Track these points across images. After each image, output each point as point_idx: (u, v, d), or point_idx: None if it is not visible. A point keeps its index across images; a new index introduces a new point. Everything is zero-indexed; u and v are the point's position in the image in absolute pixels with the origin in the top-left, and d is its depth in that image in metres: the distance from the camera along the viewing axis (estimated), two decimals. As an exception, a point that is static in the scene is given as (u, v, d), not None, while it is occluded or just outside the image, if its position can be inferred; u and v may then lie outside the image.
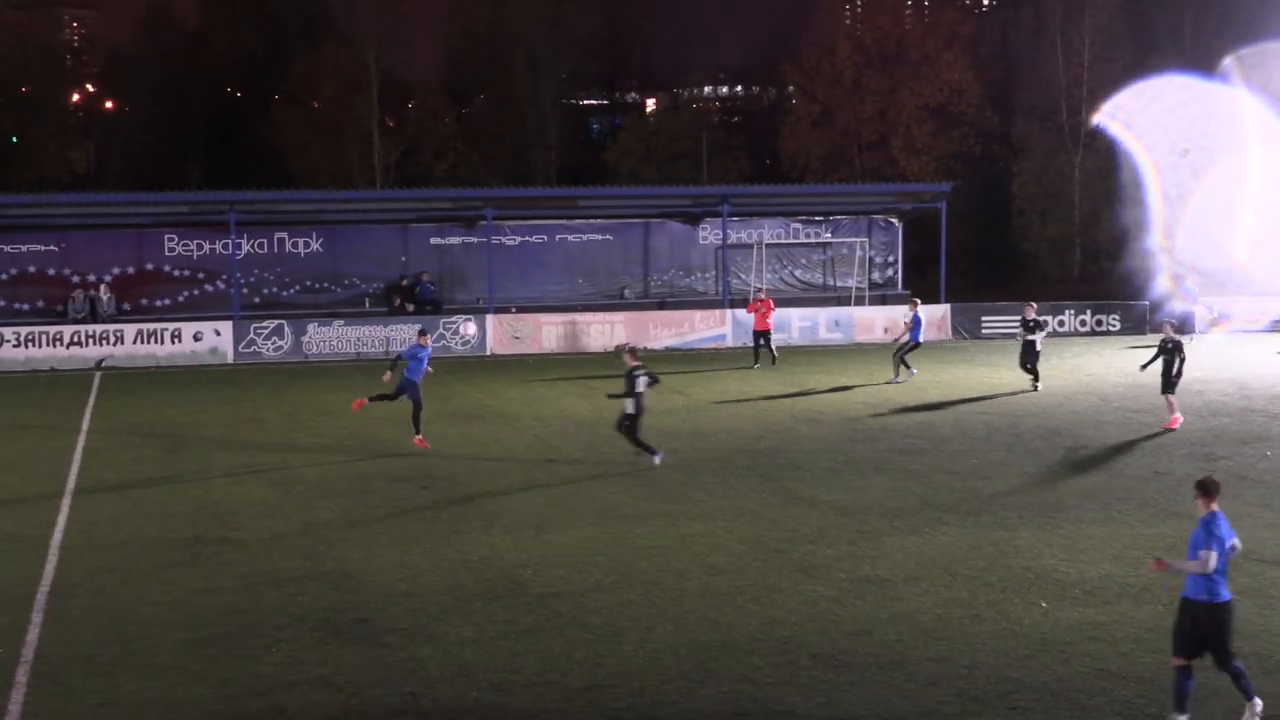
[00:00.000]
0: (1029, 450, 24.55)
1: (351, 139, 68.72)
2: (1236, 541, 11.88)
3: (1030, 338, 32.18)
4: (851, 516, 19.49)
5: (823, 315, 45.80)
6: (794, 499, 20.78)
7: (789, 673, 13.21)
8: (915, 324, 34.87)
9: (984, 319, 46.19)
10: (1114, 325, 46.57)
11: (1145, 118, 55.16)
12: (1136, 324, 46.67)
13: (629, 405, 23.35)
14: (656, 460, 23.32)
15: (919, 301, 37.42)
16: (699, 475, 22.71)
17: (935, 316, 45.63)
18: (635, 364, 23.61)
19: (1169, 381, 26.84)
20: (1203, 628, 11.65)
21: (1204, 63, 58.02)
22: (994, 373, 35.88)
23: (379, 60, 68.85)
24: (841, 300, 48.48)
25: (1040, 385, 32.23)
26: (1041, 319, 33.22)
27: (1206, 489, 11.97)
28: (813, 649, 13.83)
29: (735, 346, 43.65)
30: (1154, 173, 55.82)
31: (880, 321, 45.10)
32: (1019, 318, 35.15)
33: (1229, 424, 27.09)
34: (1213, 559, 11.55)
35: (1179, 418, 26.76)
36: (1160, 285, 45.71)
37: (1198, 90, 53.17)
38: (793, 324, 45.07)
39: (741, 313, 43.44)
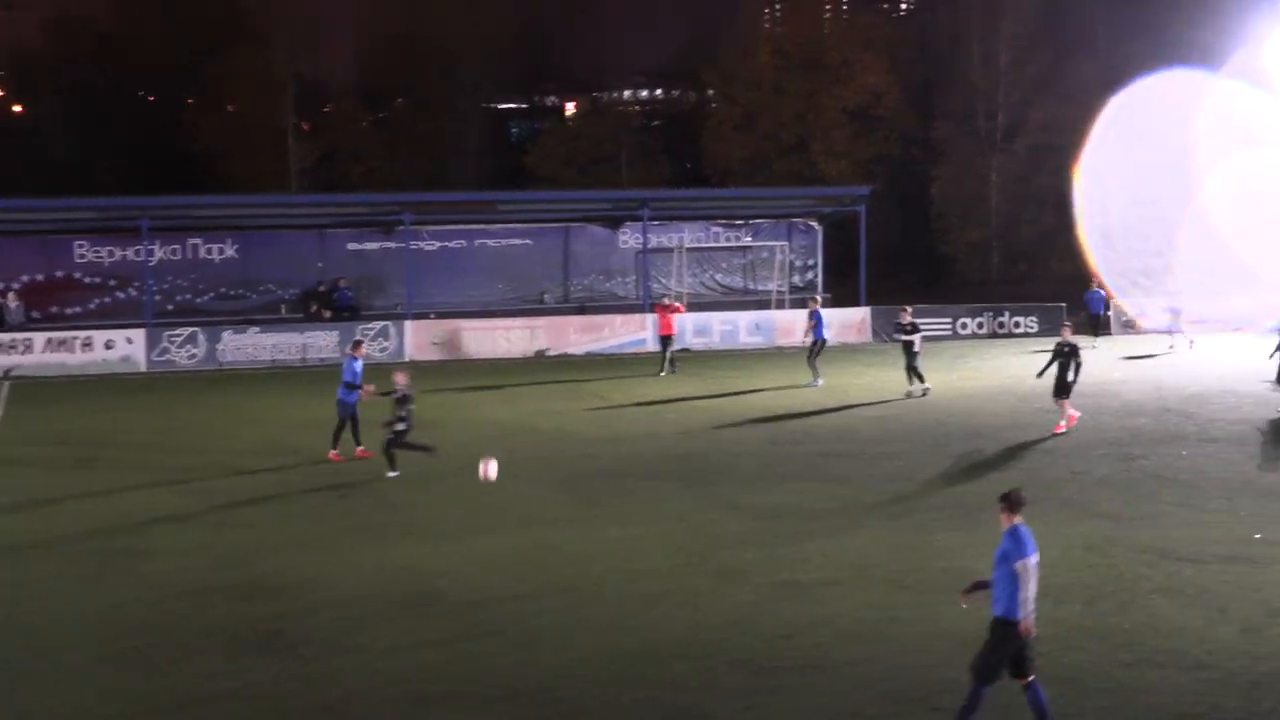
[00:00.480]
0: (949, 452, 24.73)
1: (266, 143, 68.04)
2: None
3: (907, 339, 32.15)
4: (773, 520, 19.53)
5: (743, 319, 45.92)
6: (715, 503, 20.79)
7: (710, 679, 13.19)
8: (818, 322, 35.02)
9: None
10: (1032, 327, 47.05)
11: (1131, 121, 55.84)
12: (1055, 325, 47.11)
13: (401, 422, 23.10)
14: (392, 475, 23.11)
15: (818, 299, 37.49)
16: (620, 480, 22.67)
17: (855, 320, 45.95)
18: (408, 383, 23.44)
19: (1063, 385, 26.57)
20: (1013, 644, 11.38)
21: (1117, 65, 58.88)
22: (914, 375, 36.15)
23: (294, 62, 68.24)
24: (762, 304, 48.66)
25: (915, 389, 31.88)
26: (918, 322, 32.97)
27: (1011, 502, 11.69)
28: (734, 654, 13.82)
29: (656, 351, 43.60)
30: (1080, 179, 56.56)
31: (801, 325, 45.16)
32: (896, 322, 34.88)
33: (1146, 424, 27.45)
34: (1033, 564, 11.29)
35: (1070, 418, 26.61)
36: (1095, 285, 46.13)
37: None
38: (713, 328, 45.17)
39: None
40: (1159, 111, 53.54)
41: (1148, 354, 40.21)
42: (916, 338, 32.08)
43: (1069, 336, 27.25)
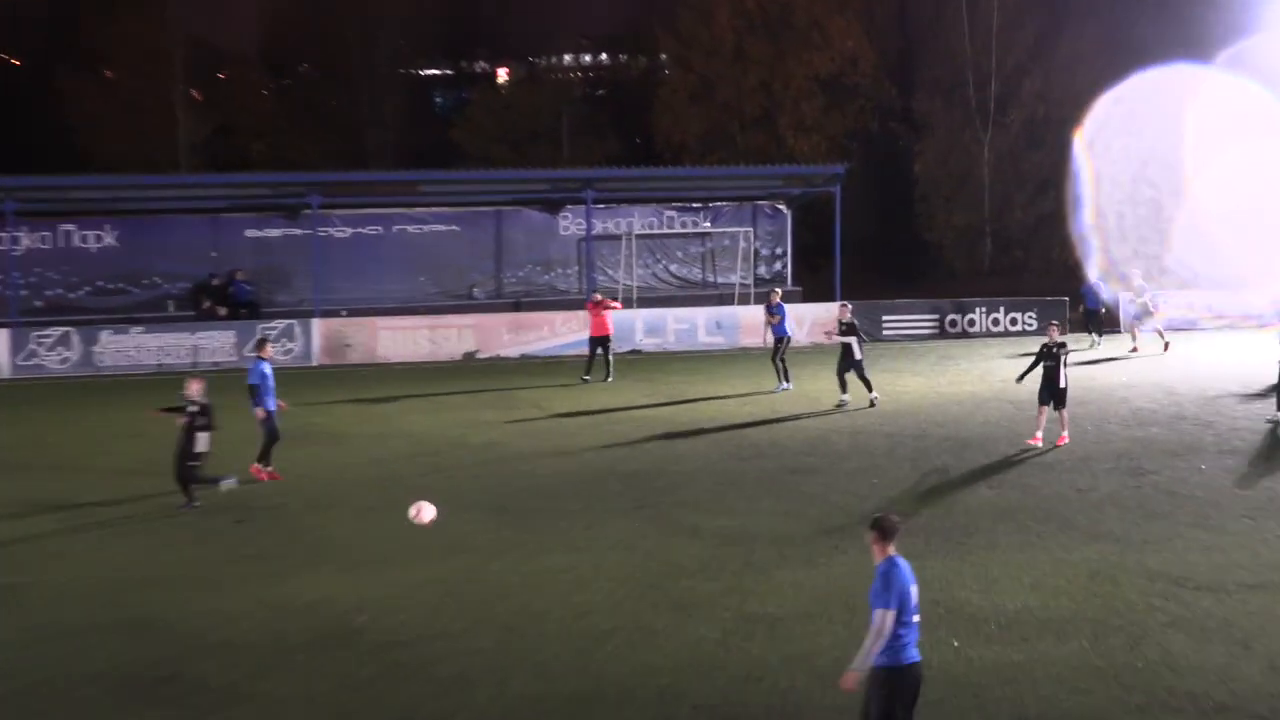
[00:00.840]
0: (936, 466, 24.86)
1: (152, 115, 67.56)
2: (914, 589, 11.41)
3: (845, 340, 32.14)
4: (738, 546, 19.56)
5: (702, 316, 46.01)
6: (672, 527, 20.81)
7: (667, 727, 13.20)
8: (780, 315, 34.95)
9: (885, 319, 46.75)
10: (1030, 324, 47.37)
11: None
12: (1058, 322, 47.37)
13: (203, 442, 22.76)
14: (229, 483, 22.91)
15: (778, 290, 37.68)
16: (562, 501, 22.65)
17: (830, 316, 45.96)
18: (203, 391, 23.21)
19: (1055, 392, 26.45)
20: (901, 696, 11.26)
21: (1121, 32, 59.43)
22: (897, 379, 36.32)
23: (185, 23, 67.77)
24: (723, 299, 48.79)
25: (875, 396, 31.87)
26: (856, 322, 32.62)
27: (882, 530, 11.44)
28: (694, 699, 13.83)
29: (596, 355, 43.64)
30: (1083, 155, 57.03)
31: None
32: (835, 320, 34.55)
33: (1158, 434, 27.69)
34: (890, 618, 11.11)
35: (1035, 438, 26.50)
36: (1093, 276, 46.51)
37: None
38: (668, 326, 45.24)
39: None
40: (1176, 91, 54.17)
41: (1127, 354, 40.75)
42: (854, 340, 31.91)
43: (1057, 336, 27.09)
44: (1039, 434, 26.62)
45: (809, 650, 15.16)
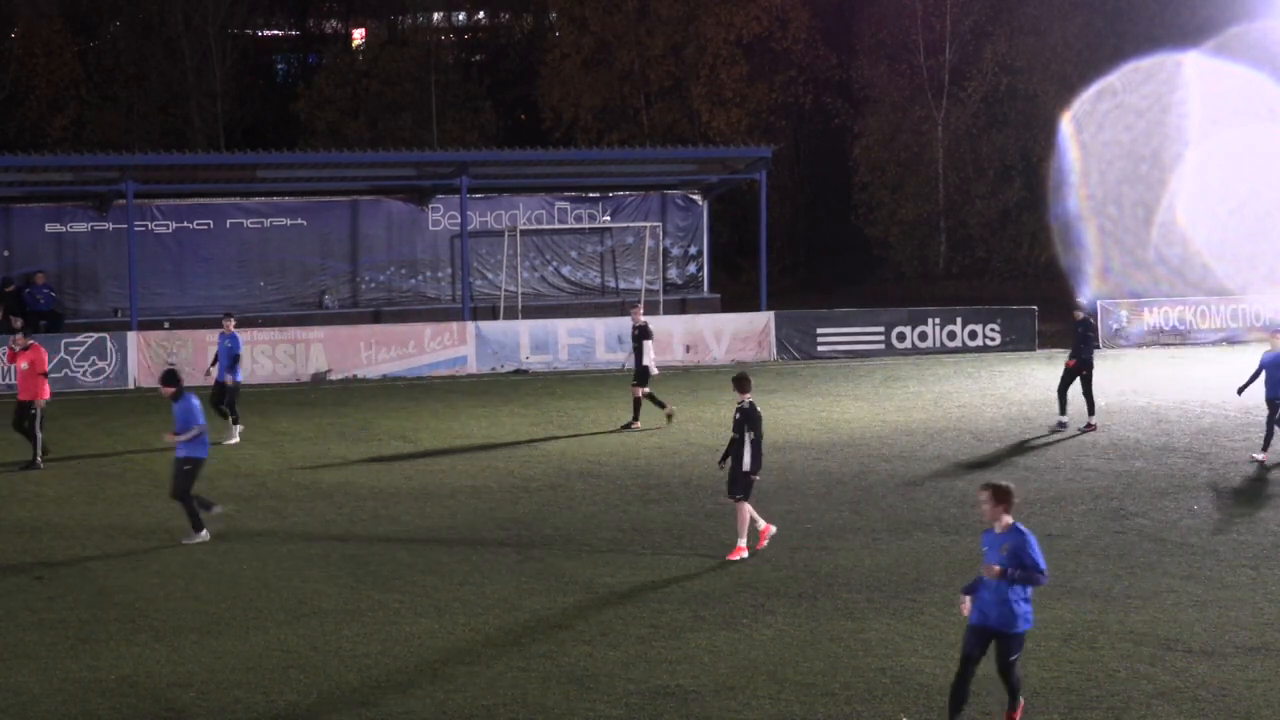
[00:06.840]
0: (881, 509, 25.00)
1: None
2: None
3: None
4: (644, 605, 19.61)
5: (601, 328, 45.98)
6: (564, 583, 20.82)
7: (559, 824, 13.24)
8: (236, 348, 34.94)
9: (820, 331, 46.90)
10: (993, 338, 47.72)
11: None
12: (1025, 335, 47.84)
13: None
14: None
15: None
16: (430, 553, 22.60)
17: (754, 329, 46.29)
18: None
19: (736, 476, 22.08)
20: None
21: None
22: (834, 404, 36.51)
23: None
24: (626, 308, 48.81)
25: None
26: (646, 324, 34.36)
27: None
28: (592, 790, 13.87)
29: (481, 373, 43.61)
30: (1073, 128, 57.74)
31: (679, 335, 45.52)
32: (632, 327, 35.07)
33: (1143, 469, 27.99)
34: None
35: (763, 532, 22.35)
36: (1080, 282, 47.00)
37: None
38: (559, 340, 45.21)
39: (485, 325, 43.69)
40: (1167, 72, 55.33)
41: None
42: (647, 345, 33.50)
43: (746, 397, 22.28)
44: (766, 525, 22.42)
45: (729, 730, 15.24)
